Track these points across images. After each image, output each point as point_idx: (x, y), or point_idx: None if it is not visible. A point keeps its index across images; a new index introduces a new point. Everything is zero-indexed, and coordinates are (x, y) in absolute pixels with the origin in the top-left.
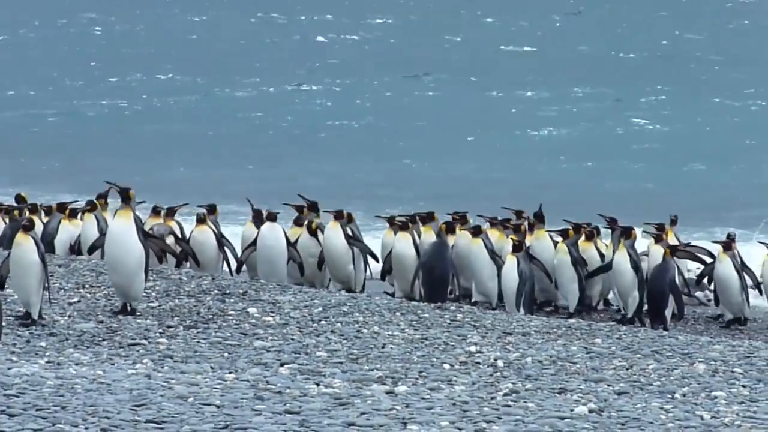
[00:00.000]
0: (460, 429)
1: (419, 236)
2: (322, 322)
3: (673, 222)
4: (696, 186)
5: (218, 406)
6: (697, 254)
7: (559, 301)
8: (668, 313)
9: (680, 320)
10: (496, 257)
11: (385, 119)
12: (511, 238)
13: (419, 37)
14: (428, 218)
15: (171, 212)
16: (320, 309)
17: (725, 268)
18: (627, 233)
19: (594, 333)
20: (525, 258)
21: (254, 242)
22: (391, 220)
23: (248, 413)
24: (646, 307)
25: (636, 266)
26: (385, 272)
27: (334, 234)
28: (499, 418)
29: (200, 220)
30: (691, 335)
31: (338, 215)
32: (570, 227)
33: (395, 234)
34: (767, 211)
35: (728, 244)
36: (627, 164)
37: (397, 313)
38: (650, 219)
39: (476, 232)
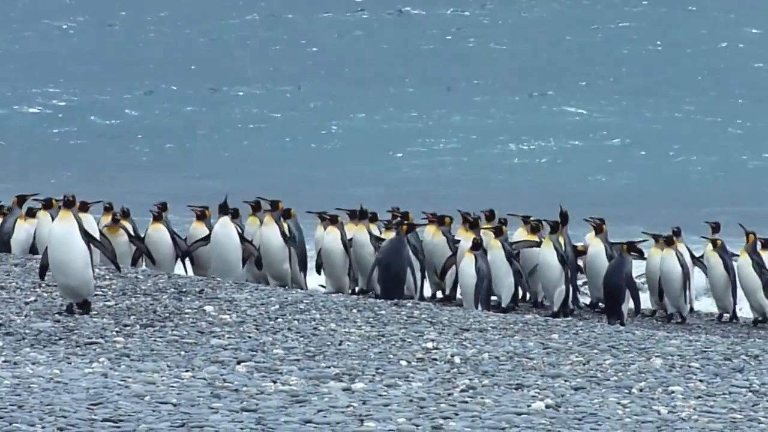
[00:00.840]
0: (417, 425)
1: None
2: (279, 319)
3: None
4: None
5: (175, 405)
6: (645, 254)
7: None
8: (625, 308)
9: (637, 315)
10: (417, 253)
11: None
12: (471, 236)
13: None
14: (361, 215)
15: (125, 212)
16: (277, 306)
17: (670, 262)
18: (553, 227)
19: (551, 328)
20: (482, 256)
21: (205, 237)
22: (321, 216)
23: (205, 411)
24: (594, 303)
25: (563, 260)
26: (319, 266)
27: (270, 230)
28: (456, 414)
29: (156, 218)
30: (648, 330)
31: (273, 205)
32: (502, 223)
33: (325, 229)
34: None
35: (670, 239)
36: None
37: (354, 310)
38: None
39: (399, 230)
